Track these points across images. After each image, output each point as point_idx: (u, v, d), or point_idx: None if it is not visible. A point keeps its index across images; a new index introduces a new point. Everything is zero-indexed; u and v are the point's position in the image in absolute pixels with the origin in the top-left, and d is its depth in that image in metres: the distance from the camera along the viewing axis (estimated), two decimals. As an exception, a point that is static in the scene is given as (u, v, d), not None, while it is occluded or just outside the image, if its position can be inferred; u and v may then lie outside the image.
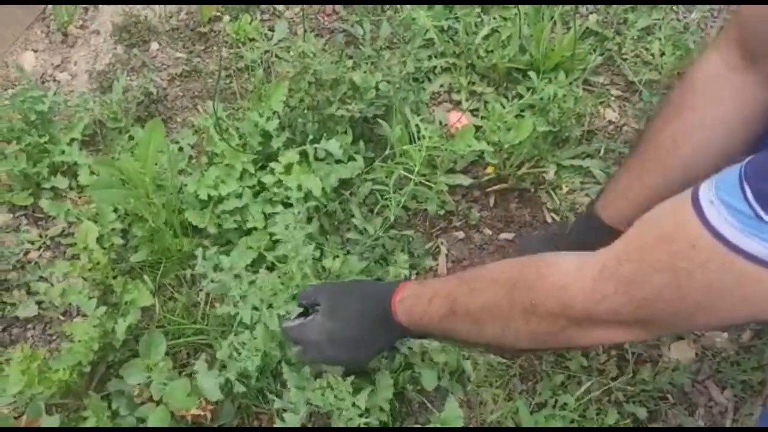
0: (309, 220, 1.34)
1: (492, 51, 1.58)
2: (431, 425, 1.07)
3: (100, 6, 1.81)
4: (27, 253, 1.35)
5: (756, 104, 0.88)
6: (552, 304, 0.72)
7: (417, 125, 1.38)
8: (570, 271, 0.70)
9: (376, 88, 1.41)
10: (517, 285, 0.76)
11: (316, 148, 1.36)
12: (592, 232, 1.08)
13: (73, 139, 1.41)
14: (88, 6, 1.81)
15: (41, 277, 1.31)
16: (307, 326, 0.99)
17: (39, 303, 1.27)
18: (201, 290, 1.30)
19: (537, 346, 0.81)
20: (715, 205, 0.56)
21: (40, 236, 1.37)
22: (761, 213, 0.53)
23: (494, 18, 1.67)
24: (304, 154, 1.36)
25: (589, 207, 1.11)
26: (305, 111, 1.41)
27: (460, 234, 1.40)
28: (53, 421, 1.00)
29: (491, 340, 0.81)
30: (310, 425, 1.16)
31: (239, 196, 1.32)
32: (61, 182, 1.40)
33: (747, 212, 0.53)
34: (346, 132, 1.41)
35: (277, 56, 1.65)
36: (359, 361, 1.01)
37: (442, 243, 1.38)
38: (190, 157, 1.45)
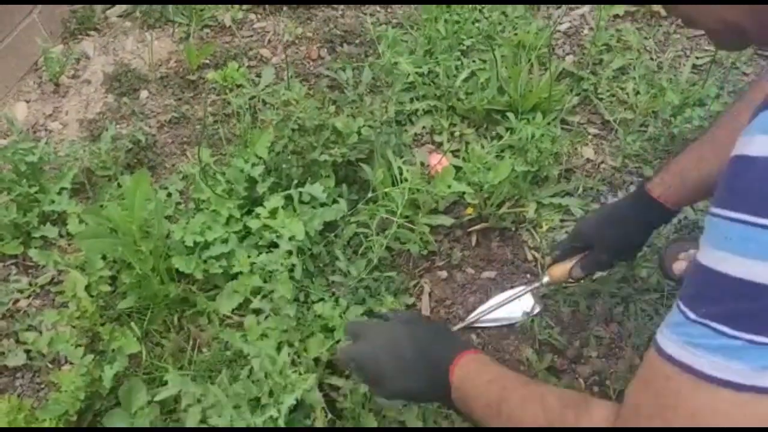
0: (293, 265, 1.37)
1: (471, 93, 1.63)
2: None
3: (92, 56, 1.87)
4: (16, 301, 1.37)
5: None
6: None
7: (399, 167, 1.42)
8: (601, 421, 0.72)
9: (359, 133, 1.45)
10: (556, 421, 0.76)
11: (300, 192, 1.40)
12: (641, 209, 1.13)
13: (62, 189, 1.44)
14: (79, 57, 1.86)
15: (30, 325, 1.32)
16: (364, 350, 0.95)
17: (27, 352, 1.29)
18: (188, 336, 1.32)
19: None
20: (685, 345, 0.59)
21: (30, 285, 1.39)
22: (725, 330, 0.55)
23: (473, 61, 1.73)
24: (289, 198, 1.39)
25: (639, 186, 1.15)
26: (289, 156, 1.45)
27: (443, 273, 1.42)
28: (38, 473, 1.00)
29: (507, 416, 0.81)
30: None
31: (225, 241, 1.35)
32: (51, 231, 1.42)
33: (732, 343, 0.55)
34: (329, 176, 1.44)
35: (263, 101, 1.70)
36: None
37: (425, 283, 1.41)
38: (178, 203, 1.49)
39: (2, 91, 1.75)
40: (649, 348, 0.63)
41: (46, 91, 1.79)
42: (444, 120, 1.63)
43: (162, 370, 1.25)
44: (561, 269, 1.24)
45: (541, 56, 1.70)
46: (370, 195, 1.43)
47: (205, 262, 1.34)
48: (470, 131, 1.62)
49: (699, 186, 1.06)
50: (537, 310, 1.34)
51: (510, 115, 1.57)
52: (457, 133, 1.62)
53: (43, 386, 1.28)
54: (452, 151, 1.59)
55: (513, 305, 1.32)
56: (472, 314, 1.33)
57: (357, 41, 1.87)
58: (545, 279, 1.27)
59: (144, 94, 1.78)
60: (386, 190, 1.40)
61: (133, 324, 1.26)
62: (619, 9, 1.88)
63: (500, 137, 1.56)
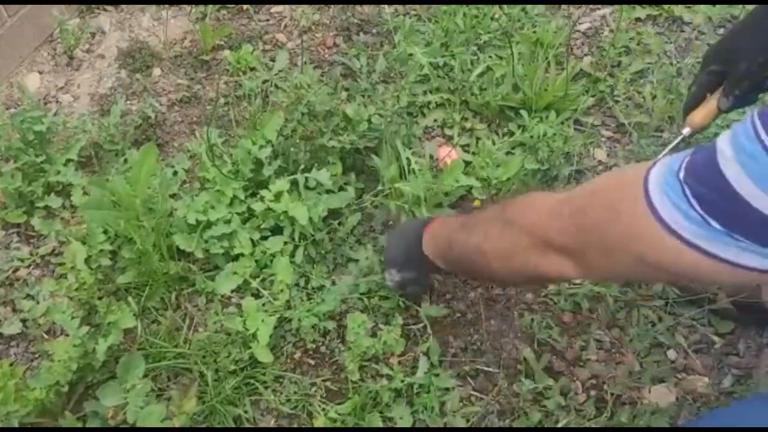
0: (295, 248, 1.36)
1: (486, 89, 1.61)
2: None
3: (107, 31, 1.87)
4: (16, 270, 1.37)
5: None
6: (523, 221, 0.85)
7: (408, 158, 1.40)
8: (548, 196, 0.84)
9: (369, 121, 1.43)
10: (510, 204, 0.91)
11: (306, 177, 1.38)
12: None
13: (69, 160, 1.44)
14: (95, 31, 1.86)
15: (28, 294, 1.32)
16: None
17: (24, 321, 1.28)
18: (185, 314, 1.31)
19: (501, 263, 0.90)
20: (662, 190, 0.65)
21: (31, 254, 1.39)
22: (701, 213, 0.61)
23: (489, 56, 1.71)
24: (294, 183, 1.38)
25: None
26: (298, 141, 1.43)
27: (447, 268, 1.40)
28: (25, 440, 1.00)
29: (474, 247, 0.95)
30: None
31: (228, 222, 1.34)
32: (55, 201, 1.42)
33: (691, 213, 0.62)
34: (336, 163, 1.43)
35: (276, 86, 1.69)
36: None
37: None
38: (184, 182, 1.48)
39: (16, 60, 1.75)
40: (639, 175, 0.68)
41: (59, 63, 1.79)
42: (456, 114, 1.61)
43: (156, 347, 1.24)
44: (703, 111, 1.09)
45: (559, 55, 1.68)
46: (379, 188, 1.41)
47: (206, 241, 1.33)
48: (482, 126, 1.60)
49: None
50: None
51: (523, 112, 1.55)
52: (468, 128, 1.60)
53: (37, 355, 1.27)
54: (462, 146, 1.57)
55: None
56: None
57: (374, 30, 1.86)
58: (685, 130, 1.12)
59: (157, 71, 1.77)
60: (397, 185, 1.38)
61: (130, 299, 1.25)
62: (641, 12, 1.85)
63: (512, 134, 1.53)
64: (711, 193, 0.60)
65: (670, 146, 1.22)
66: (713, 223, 0.60)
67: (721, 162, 0.59)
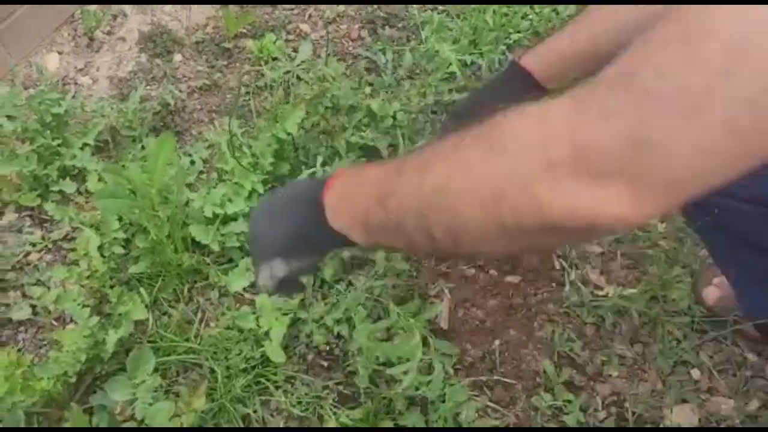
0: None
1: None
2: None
3: (129, 14, 1.83)
4: (27, 254, 1.34)
5: None
6: (529, 137, 0.49)
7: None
8: (555, 104, 0.49)
9: (394, 117, 1.39)
10: (495, 124, 0.53)
11: (325, 171, 1.35)
12: (516, 84, 1.11)
13: (85, 144, 1.41)
14: (116, 13, 1.83)
15: (38, 280, 1.29)
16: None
17: (33, 306, 1.26)
18: (197, 308, 1.28)
19: (482, 209, 0.53)
20: None
21: (43, 239, 1.36)
22: None
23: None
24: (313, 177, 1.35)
25: (512, 63, 1.12)
26: (319, 134, 1.40)
27: (469, 272, 1.36)
28: (30, 432, 0.97)
29: (430, 193, 0.56)
30: None
31: (246, 215, 1.31)
32: (69, 186, 1.39)
33: None
34: (358, 158, 1.39)
35: (298, 77, 1.65)
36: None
37: (444, 285, 1.34)
38: (201, 172, 1.45)
39: (36, 40, 1.72)
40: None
41: (80, 44, 1.76)
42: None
43: (167, 340, 1.21)
44: None
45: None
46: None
47: (222, 234, 1.30)
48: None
49: (578, 58, 1.05)
50: None
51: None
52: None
53: (45, 343, 1.25)
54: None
55: None
56: None
57: (399, 25, 1.81)
58: None
59: (177, 57, 1.74)
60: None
61: (142, 290, 1.22)
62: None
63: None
64: None
65: None
66: None
67: None
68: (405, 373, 1.12)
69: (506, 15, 1.74)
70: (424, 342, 1.21)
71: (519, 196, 0.49)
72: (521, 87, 1.11)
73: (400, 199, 0.60)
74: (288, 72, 1.66)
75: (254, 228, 0.83)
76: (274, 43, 1.73)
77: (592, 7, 1.05)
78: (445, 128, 1.22)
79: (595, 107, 0.45)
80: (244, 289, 1.29)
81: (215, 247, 1.29)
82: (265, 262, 0.79)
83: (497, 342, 1.26)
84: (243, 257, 1.31)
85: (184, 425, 1.02)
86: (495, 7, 1.74)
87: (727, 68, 0.40)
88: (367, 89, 1.45)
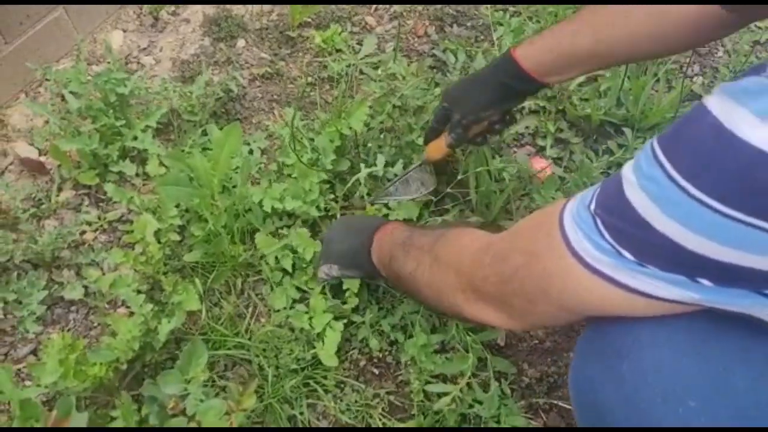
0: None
1: (587, 100, 1.50)
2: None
3: (195, -5, 1.81)
4: (83, 233, 1.33)
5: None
6: (450, 261, 0.83)
7: (498, 169, 1.31)
8: (474, 239, 0.82)
9: (461, 121, 1.34)
10: (441, 239, 0.88)
11: (387, 172, 1.31)
12: (501, 70, 1.08)
13: (147, 126, 1.39)
14: (183, -7, 1.80)
15: (93, 260, 1.28)
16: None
17: (86, 287, 1.25)
18: (249, 302, 1.25)
19: (433, 299, 0.88)
20: (574, 222, 0.64)
21: (99, 218, 1.35)
22: (614, 244, 0.59)
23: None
24: (374, 178, 1.31)
25: (506, 54, 1.07)
26: (381, 132, 1.36)
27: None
28: (81, 420, 0.95)
29: (408, 273, 0.92)
30: None
31: (305, 218, 1.27)
32: (129, 168, 1.37)
33: (602, 244, 0.60)
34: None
35: (361, 71, 1.61)
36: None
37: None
38: (260, 163, 1.42)
39: (102, 16, 1.71)
40: (556, 209, 0.67)
41: (144, 23, 1.75)
42: (551, 123, 1.50)
43: (218, 333, 1.19)
44: (437, 144, 1.21)
45: (669, 72, 1.55)
46: (467, 196, 1.33)
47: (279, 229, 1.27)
48: (578, 140, 1.49)
49: (574, 57, 1.00)
50: (431, 185, 1.30)
51: (626, 130, 1.44)
52: (562, 139, 1.50)
53: (95, 325, 1.24)
54: (553, 158, 1.46)
55: (413, 186, 1.30)
56: (373, 197, 1.32)
57: (468, 24, 1.76)
58: (423, 156, 1.26)
59: (241, 43, 1.71)
60: (482, 188, 1.30)
61: (196, 280, 1.20)
62: (761, 35, 1.70)
63: (612, 153, 1.42)
64: (619, 221, 0.59)
65: (411, 168, 1.30)
66: (625, 253, 0.59)
67: (626, 189, 0.58)
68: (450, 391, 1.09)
69: (582, 21, 1.67)
70: (480, 359, 1.18)
71: (449, 298, 0.82)
72: (514, 81, 1.07)
73: (398, 265, 0.96)
74: (351, 65, 1.62)
75: (329, 233, 1.18)
76: (339, 34, 1.69)
77: (598, 7, 0.98)
78: (437, 119, 1.21)
79: (486, 267, 0.75)
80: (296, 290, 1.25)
81: (271, 242, 1.26)
82: (325, 263, 1.15)
83: (556, 364, 1.21)
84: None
85: (234, 425, 0.99)
86: (571, 10, 1.67)
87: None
88: (436, 90, 1.40)
